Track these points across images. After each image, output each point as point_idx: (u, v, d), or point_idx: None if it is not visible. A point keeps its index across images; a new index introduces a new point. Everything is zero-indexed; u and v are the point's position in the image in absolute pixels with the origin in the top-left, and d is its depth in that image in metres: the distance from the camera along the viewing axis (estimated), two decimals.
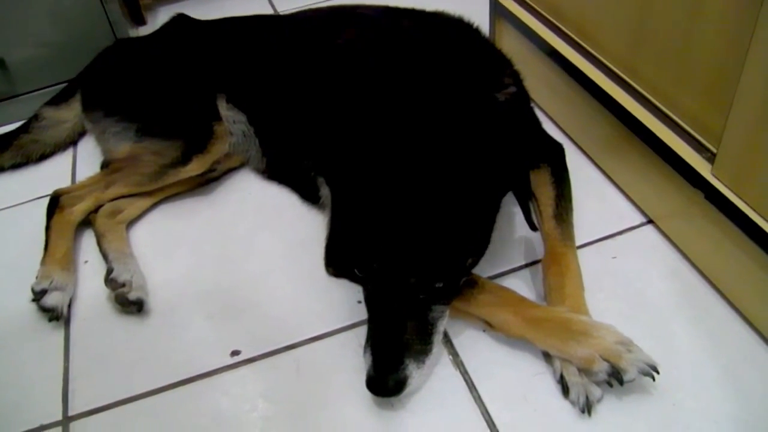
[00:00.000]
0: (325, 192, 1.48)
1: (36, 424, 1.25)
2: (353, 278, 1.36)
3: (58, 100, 1.79)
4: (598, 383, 1.13)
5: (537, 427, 1.13)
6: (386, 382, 1.13)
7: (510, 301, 1.23)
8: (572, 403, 1.14)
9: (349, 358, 1.25)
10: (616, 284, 1.33)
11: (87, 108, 1.70)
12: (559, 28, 1.60)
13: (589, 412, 1.12)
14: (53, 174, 1.80)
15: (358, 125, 1.23)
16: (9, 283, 1.50)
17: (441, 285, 1.13)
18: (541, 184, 1.42)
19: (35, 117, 1.80)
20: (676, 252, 1.38)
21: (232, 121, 1.65)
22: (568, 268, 1.29)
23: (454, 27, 1.40)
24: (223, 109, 1.65)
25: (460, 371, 1.23)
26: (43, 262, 1.47)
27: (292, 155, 1.58)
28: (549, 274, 1.30)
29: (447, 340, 1.28)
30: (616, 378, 1.11)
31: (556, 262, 1.30)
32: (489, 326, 1.25)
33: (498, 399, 1.18)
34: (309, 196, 1.57)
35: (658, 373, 1.11)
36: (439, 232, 1.09)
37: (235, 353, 1.32)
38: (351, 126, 1.26)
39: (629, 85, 1.40)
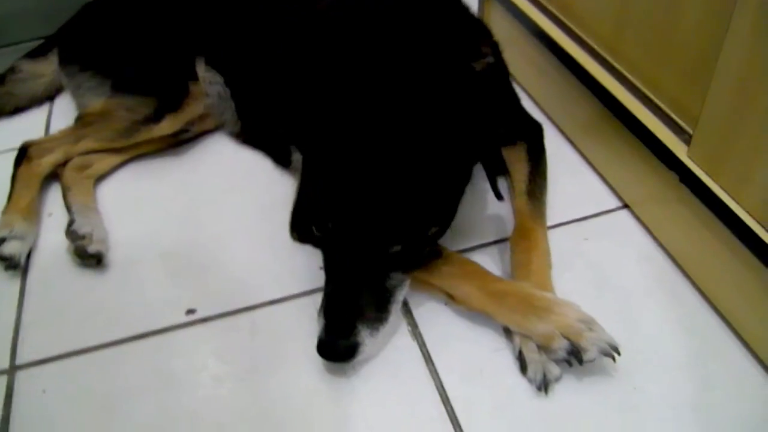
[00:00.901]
0: (296, 157, 1.45)
1: None
2: (316, 243, 1.33)
3: (35, 54, 1.76)
4: (557, 362, 1.10)
5: (491, 403, 1.10)
6: (337, 346, 1.10)
7: (473, 273, 1.20)
8: (529, 380, 1.11)
9: (305, 324, 1.22)
10: (585, 266, 1.30)
11: (63, 62, 1.66)
12: (546, 8, 1.57)
13: (546, 391, 1.09)
14: (27, 128, 1.76)
15: (329, 89, 1.20)
16: None
17: (399, 249, 1.10)
18: (516, 160, 1.39)
19: (11, 69, 1.77)
20: (649, 237, 1.34)
21: (208, 82, 1.62)
22: (536, 244, 1.26)
23: None
24: (201, 70, 1.62)
25: (418, 343, 1.20)
26: (5, 211, 1.44)
27: (266, 119, 1.55)
28: (516, 249, 1.27)
29: (407, 311, 1.25)
30: (575, 357, 1.08)
31: (524, 238, 1.27)
32: (451, 299, 1.22)
33: (454, 372, 1.15)
34: (282, 160, 1.55)
35: (619, 354, 1.08)
36: (397, 194, 1.06)
37: (190, 312, 1.29)
38: (323, 89, 1.22)
39: (611, 66, 1.37)
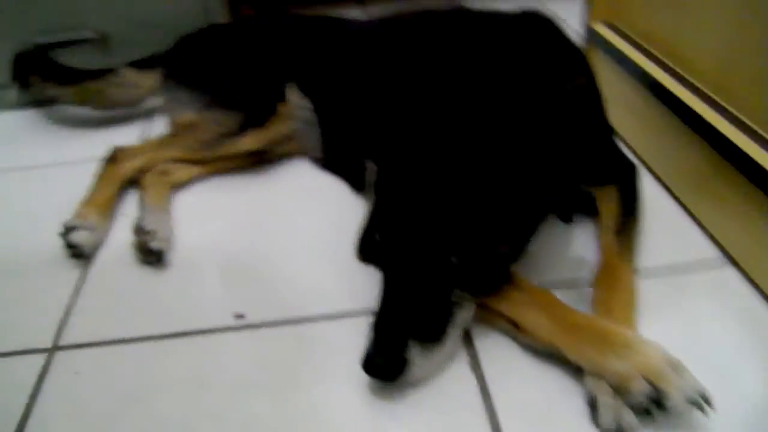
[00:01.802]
0: (371, 179, 1.40)
1: (23, 348, 1.19)
2: (378, 261, 1.24)
3: (140, 65, 1.83)
4: (635, 408, 0.94)
5: None
6: (383, 361, 1.00)
7: (545, 302, 1.07)
8: (600, 428, 0.94)
9: (355, 343, 1.10)
10: (679, 317, 1.13)
11: (166, 77, 1.73)
12: (647, 51, 1.48)
13: None
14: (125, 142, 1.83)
15: (409, 111, 1.16)
16: (53, 224, 1.45)
17: (458, 262, 1.00)
18: (606, 200, 1.27)
19: (113, 71, 1.83)
20: (757, 295, 1.16)
21: (297, 107, 1.62)
22: (621, 282, 1.12)
23: (528, 22, 1.31)
24: (293, 96, 1.63)
25: (476, 376, 1.07)
26: (83, 203, 1.47)
27: (349, 143, 1.53)
28: (599, 287, 1.13)
29: (469, 342, 1.12)
30: (657, 404, 0.92)
31: (608, 275, 1.13)
32: (518, 331, 1.08)
33: (513, 413, 1.00)
34: (358, 184, 1.50)
35: (710, 406, 0.91)
36: (458, 199, 0.99)
37: (239, 316, 1.22)
38: (402, 112, 1.19)
39: (721, 107, 1.25)
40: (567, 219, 1.07)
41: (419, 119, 1.11)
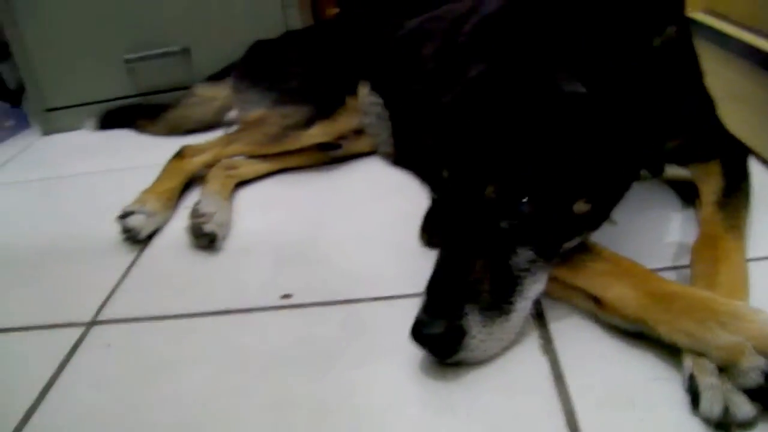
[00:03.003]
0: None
1: (64, 321, 1.14)
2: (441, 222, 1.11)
3: (212, 78, 1.86)
4: (748, 391, 0.73)
5: None
6: (435, 328, 0.85)
7: (632, 271, 0.89)
8: (704, 415, 0.74)
9: (407, 324, 0.97)
10: None
11: (236, 78, 1.72)
12: (758, 30, 1.31)
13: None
14: None
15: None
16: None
17: (526, 210, 0.85)
18: (707, 175, 1.10)
19: (188, 93, 1.88)
20: None
21: (369, 103, 1.56)
22: (727, 255, 0.92)
23: None
24: (365, 93, 1.57)
25: (549, 359, 0.89)
26: (144, 192, 1.45)
27: (418, 137, 1.43)
28: (698, 259, 0.94)
29: (541, 324, 0.95)
30: None
31: (709, 247, 0.94)
32: (600, 308, 0.91)
33: (591, 401, 0.81)
34: (428, 178, 1.39)
35: None
36: (527, 139, 0.86)
37: (286, 296, 1.12)
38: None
39: None
40: (657, 171, 0.90)
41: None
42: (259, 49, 1.75)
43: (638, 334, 0.87)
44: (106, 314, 1.15)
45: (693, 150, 1.13)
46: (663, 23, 1.05)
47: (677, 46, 1.05)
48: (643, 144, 0.93)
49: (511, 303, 0.88)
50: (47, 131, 2.21)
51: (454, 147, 0.90)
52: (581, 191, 0.88)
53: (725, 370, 0.75)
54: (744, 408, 0.73)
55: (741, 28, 1.36)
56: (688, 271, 0.97)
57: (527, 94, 0.87)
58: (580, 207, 0.89)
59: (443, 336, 0.85)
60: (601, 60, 0.90)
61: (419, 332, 0.86)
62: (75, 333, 1.11)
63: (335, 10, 2.11)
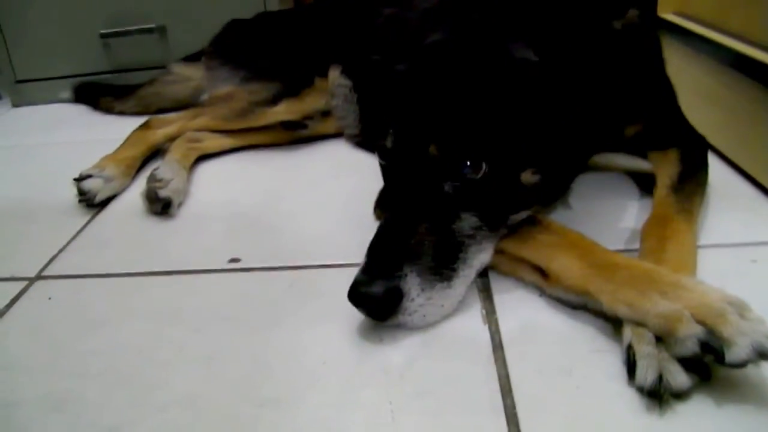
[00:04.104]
0: None
1: (8, 275, 1.12)
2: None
3: (191, 58, 1.83)
4: (684, 361, 0.72)
5: (571, 409, 0.73)
6: (372, 288, 0.83)
7: (576, 243, 0.89)
8: (638, 384, 0.73)
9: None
10: (751, 288, 0.88)
11: (208, 56, 1.71)
12: (727, 32, 1.32)
13: (661, 401, 0.71)
14: None
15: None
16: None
17: (472, 172, 0.85)
18: (664, 161, 1.09)
19: (165, 71, 1.86)
20: None
21: (338, 84, 1.55)
22: (676, 234, 0.92)
23: None
24: (335, 75, 1.56)
25: (490, 328, 0.88)
26: (104, 157, 1.43)
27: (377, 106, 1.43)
28: (646, 237, 0.93)
29: (487, 296, 0.94)
30: (713, 353, 0.70)
31: (659, 226, 0.94)
32: (545, 281, 0.90)
33: (528, 371, 0.80)
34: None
35: None
36: (473, 101, 0.85)
37: (234, 260, 1.10)
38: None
39: None
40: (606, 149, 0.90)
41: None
42: (233, 28, 1.73)
43: (582, 308, 0.87)
44: (51, 270, 1.13)
45: (652, 137, 1.13)
46: (624, 6, 1.05)
47: (638, 31, 1.05)
48: (597, 121, 0.93)
49: (453, 269, 0.87)
50: (17, 103, 2.17)
51: (403, 109, 0.90)
52: (528, 160, 0.88)
53: (663, 339, 0.74)
54: (679, 377, 0.71)
55: (710, 29, 1.37)
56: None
57: (478, 59, 0.87)
58: (528, 177, 0.88)
59: (380, 297, 0.83)
60: (556, 33, 0.90)
61: (356, 292, 0.84)
62: (17, 286, 1.08)
63: None
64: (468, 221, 0.87)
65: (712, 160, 1.22)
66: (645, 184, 1.18)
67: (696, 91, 1.38)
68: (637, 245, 0.98)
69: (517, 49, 0.87)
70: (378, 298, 0.83)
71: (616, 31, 1.02)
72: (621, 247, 1.03)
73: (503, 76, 0.85)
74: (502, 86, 0.85)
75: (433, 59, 0.89)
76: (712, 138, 1.31)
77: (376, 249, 0.87)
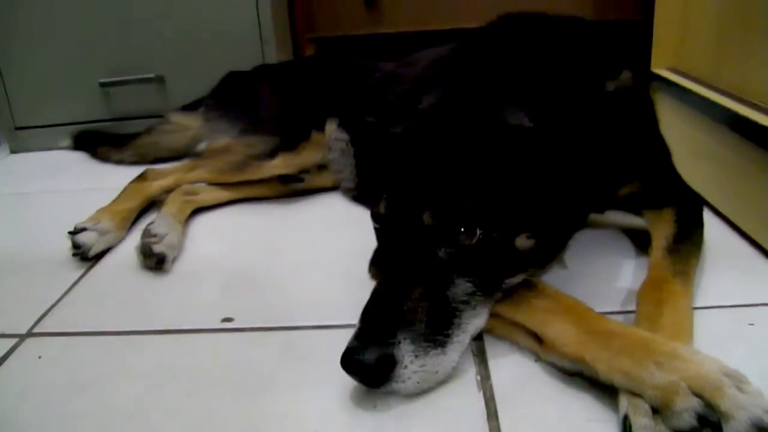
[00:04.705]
0: None
1: None
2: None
3: (188, 108, 1.85)
4: None
5: None
6: (365, 356, 0.82)
7: (573, 309, 0.88)
8: None
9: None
10: (749, 353, 0.90)
11: (206, 108, 1.72)
12: (720, 89, 1.34)
13: None
14: None
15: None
16: None
17: (466, 239, 0.85)
18: (659, 221, 1.09)
19: (163, 120, 1.87)
20: None
21: (334, 138, 1.56)
22: (672, 298, 0.91)
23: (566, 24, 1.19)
24: (332, 129, 1.58)
25: (485, 395, 0.87)
26: (101, 210, 1.42)
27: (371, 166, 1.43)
28: (642, 301, 0.93)
29: (482, 360, 0.93)
30: (711, 426, 0.69)
31: (655, 289, 0.93)
32: (540, 346, 0.89)
33: None
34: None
35: None
36: (467, 168, 0.86)
37: (227, 320, 1.09)
38: None
39: None
40: (601, 210, 0.90)
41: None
42: (231, 80, 1.75)
43: (578, 375, 0.86)
44: (42, 327, 1.11)
45: (647, 197, 1.13)
46: (617, 68, 1.07)
47: (631, 92, 1.07)
48: (592, 184, 0.93)
49: (447, 335, 0.86)
50: (15, 149, 2.18)
51: (397, 174, 0.90)
52: (523, 226, 0.88)
53: (660, 411, 0.73)
54: None
55: (704, 86, 1.39)
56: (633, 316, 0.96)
57: (472, 125, 0.88)
58: (523, 242, 0.88)
59: (373, 364, 0.82)
60: (550, 97, 0.91)
61: (349, 360, 0.83)
62: (8, 343, 1.06)
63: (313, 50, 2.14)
64: (462, 287, 0.87)
65: (708, 217, 1.22)
66: (640, 241, 1.19)
67: (691, 147, 1.40)
68: (632, 307, 0.97)
69: (511, 114, 0.88)
70: (371, 366, 0.82)
71: (610, 93, 1.03)
72: (617, 308, 1.02)
73: (498, 143, 0.86)
74: (496, 153, 0.86)
75: (428, 125, 0.90)
76: (707, 195, 1.31)
77: (369, 314, 0.87)
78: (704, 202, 1.19)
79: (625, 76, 1.06)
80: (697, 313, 0.96)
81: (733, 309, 1.01)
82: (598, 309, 0.92)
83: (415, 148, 0.90)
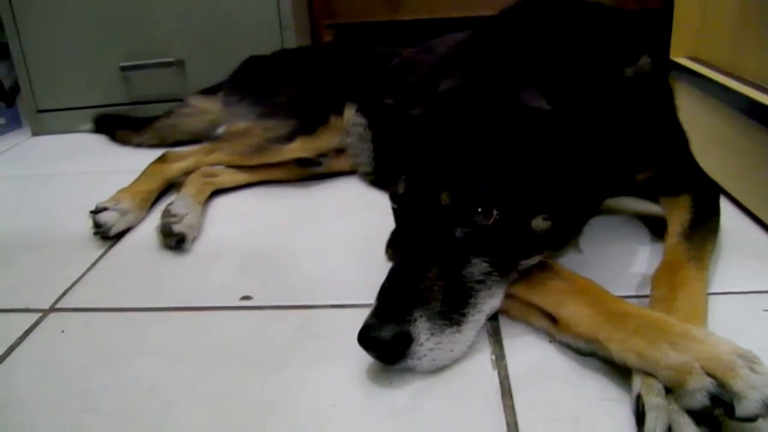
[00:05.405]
0: None
1: (22, 306, 1.13)
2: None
3: (208, 92, 1.87)
4: (694, 413, 0.72)
5: None
6: (381, 332, 0.84)
7: (588, 290, 0.89)
8: None
9: None
10: (765, 338, 0.91)
11: (227, 91, 1.74)
12: (740, 78, 1.33)
13: None
14: None
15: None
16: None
17: (481, 221, 0.86)
18: (675, 207, 1.10)
19: (182, 104, 1.89)
20: None
21: (353, 123, 1.57)
22: (686, 282, 0.92)
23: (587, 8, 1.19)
24: (351, 113, 1.59)
25: (499, 374, 0.88)
26: (121, 190, 1.45)
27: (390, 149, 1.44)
28: (657, 285, 0.93)
29: (497, 340, 0.94)
30: (724, 406, 0.70)
31: (670, 274, 0.94)
32: (555, 326, 0.90)
33: (536, 414, 0.80)
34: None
35: None
36: (485, 150, 0.87)
37: (246, 298, 1.11)
38: None
39: None
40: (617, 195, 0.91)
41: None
42: (251, 64, 1.77)
43: (592, 355, 0.87)
44: (64, 303, 1.14)
45: (663, 183, 1.14)
46: (636, 54, 1.07)
47: (650, 77, 1.07)
48: (608, 168, 0.94)
49: (463, 314, 0.87)
50: (37, 132, 2.22)
51: (416, 155, 0.91)
52: (540, 207, 0.88)
53: (673, 390, 0.74)
54: (688, 430, 0.71)
55: (723, 74, 1.38)
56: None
57: (491, 107, 0.88)
58: (539, 224, 0.89)
59: (390, 341, 0.83)
60: (569, 81, 0.92)
61: (366, 336, 0.85)
62: (31, 318, 1.09)
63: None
64: (478, 266, 0.88)
65: (725, 206, 1.22)
66: (656, 227, 1.19)
67: (709, 135, 1.39)
68: (647, 292, 0.98)
69: (529, 97, 0.89)
70: (387, 343, 0.83)
71: (628, 78, 1.03)
72: (631, 293, 1.03)
73: (515, 126, 0.87)
74: (514, 135, 0.87)
75: (447, 107, 0.91)
76: (724, 183, 1.31)
77: (386, 293, 0.88)
78: (721, 190, 1.19)
79: (644, 62, 1.06)
80: (711, 298, 0.96)
81: (747, 295, 1.01)
82: (613, 293, 0.92)
83: (433, 130, 0.91)
